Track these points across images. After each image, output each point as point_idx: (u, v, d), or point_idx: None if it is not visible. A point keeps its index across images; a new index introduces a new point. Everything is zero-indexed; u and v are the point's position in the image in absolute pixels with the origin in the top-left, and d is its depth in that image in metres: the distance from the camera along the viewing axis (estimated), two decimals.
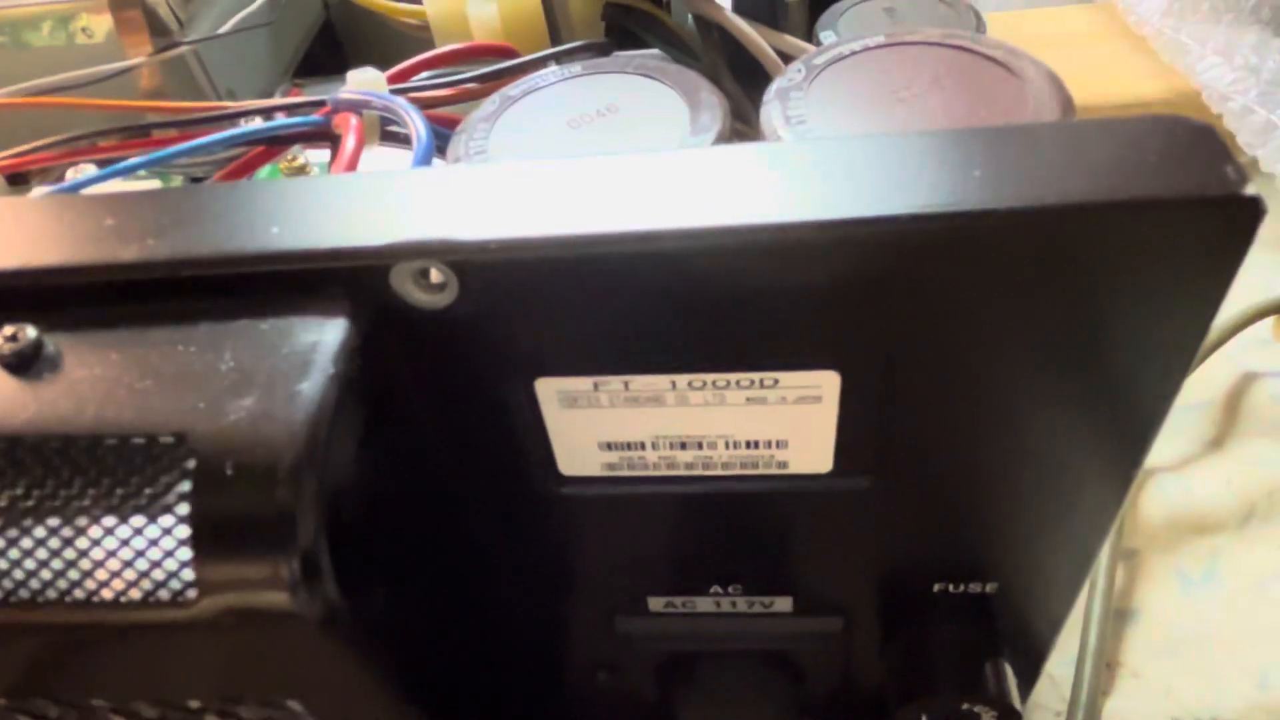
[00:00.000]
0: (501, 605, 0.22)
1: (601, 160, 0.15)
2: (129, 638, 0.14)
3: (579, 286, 0.14)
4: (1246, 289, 0.29)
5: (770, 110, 0.18)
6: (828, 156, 0.14)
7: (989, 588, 0.20)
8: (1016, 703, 0.21)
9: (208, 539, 0.13)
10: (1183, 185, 0.12)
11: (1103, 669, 0.27)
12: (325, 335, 0.14)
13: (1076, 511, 0.18)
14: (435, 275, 0.14)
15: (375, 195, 0.15)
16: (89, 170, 0.21)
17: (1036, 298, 0.14)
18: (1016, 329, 0.14)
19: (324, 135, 0.20)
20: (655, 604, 0.21)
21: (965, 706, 0.21)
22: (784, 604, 0.21)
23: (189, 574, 0.13)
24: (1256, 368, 0.37)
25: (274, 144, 0.20)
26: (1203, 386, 0.38)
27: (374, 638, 0.15)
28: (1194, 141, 0.13)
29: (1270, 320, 0.37)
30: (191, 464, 0.13)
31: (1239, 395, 0.37)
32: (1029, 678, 0.24)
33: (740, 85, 0.24)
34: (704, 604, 0.21)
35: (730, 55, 0.25)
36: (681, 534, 0.19)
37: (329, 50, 0.39)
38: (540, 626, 0.23)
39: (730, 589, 0.21)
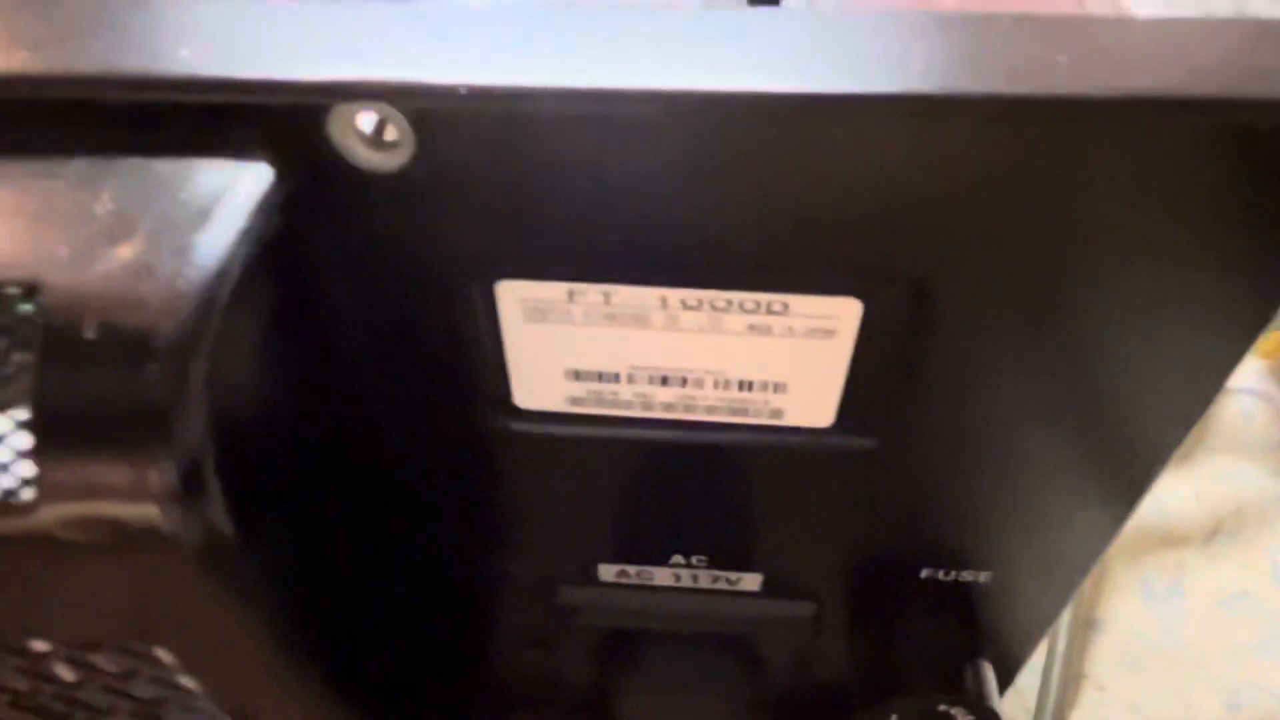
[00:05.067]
0: (426, 558, 0.19)
1: (608, 10, 0.12)
2: None
3: (565, 156, 0.11)
4: None
5: (795, 5, 0.16)
6: (881, 28, 0.11)
7: (982, 577, 0.18)
8: (997, 706, 0.19)
9: (54, 425, 0.10)
10: None
11: (1070, 680, 0.26)
12: (238, 182, 0.11)
13: (1090, 504, 0.16)
14: (386, 126, 0.11)
15: (319, 22, 0.12)
16: None
17: (1112, 219, 0.11)
18: (1082, 256, 0.12)
19: None
20: (606, 573, 0.19)
21: (942, 708, 0.19)
22: (752, 582, 0.19)
23: (27, 469, 0.10)
24: (1227, 384, 0.37)
25: None
26: None
27: (265, 580, 0.12)
28: None
29: None
30: (41, 323, 0.10)
31: (1209, 410, 0.36)
32: (1002, 683, 0.22)
33: None
34: (662, 576, 0.19)
35: None
36: (647, 491, 0.17)
37: None
38: (470, 589, 0.20)
39: (694, 560, 0.18)
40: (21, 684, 0.15)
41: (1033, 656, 0.27)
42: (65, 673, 0.14)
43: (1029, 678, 0.26)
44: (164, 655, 0.13)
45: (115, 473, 0.09)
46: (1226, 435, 0.35)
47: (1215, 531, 0.32)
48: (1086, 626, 0.28)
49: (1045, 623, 0.20)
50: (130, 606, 0.12)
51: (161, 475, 0.09)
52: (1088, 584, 0.30)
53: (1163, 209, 0.11)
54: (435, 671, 0.22)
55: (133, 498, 0.10)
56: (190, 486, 0.10)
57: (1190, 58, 0.11)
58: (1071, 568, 0.18)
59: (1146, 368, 0.14)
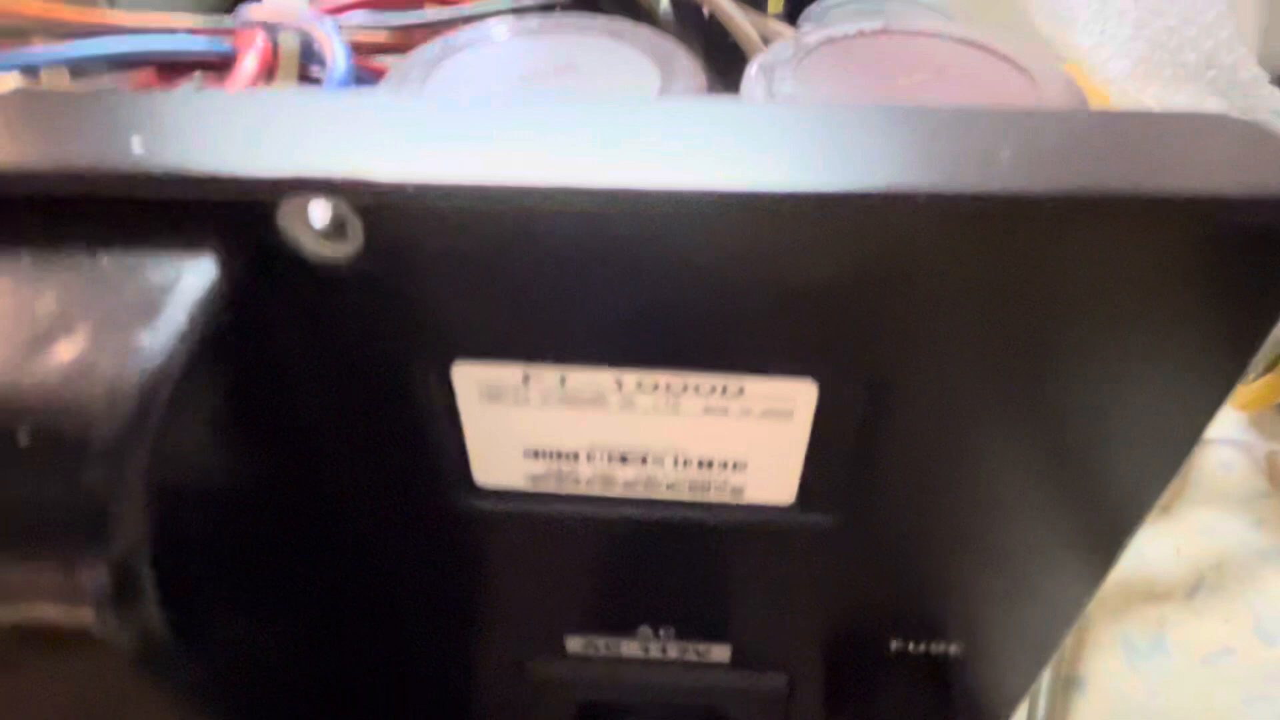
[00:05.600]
0: (393, 640, 0.18)
1: (555, 103, 0.12)
2: None
3: (515, 249, 0.11)
4: None
5: (753, 87, 0.16)
6: (830, 121, 0.12)
7: (952, 649, 0.18)
8: None
9: None
10: (1253, 183, 0.10)
11: None
12: (183, 278, 0.11)
13: (1060, 573, 0.16)
14: (335, 219, 0.11)
15: (269, 115, 0.12)
16: None
17: (1061, 312, 0.11)
18: (1032, 349, 0.12)
19: (231, 65, 0.17)
20: (573, 644, 0.19)
21: None
22: (721, 654, 0.18)
23: None
24: (1206, 435, 0.37)
25: (167, 69, 0.17)
26: None
27: (214, 677, 0.11)
28: (1256, 140, 0.11)
29: None
30: None
31: (1189, 462, 0.36)
32: None
33: (715, 74, 0.21)
34: (629, 648, 0.18)
35: (705, 43, 0.22)
36: (611, 565, 0.17)
37: None
38: (440, 667, 0.19)
39: (661, 632, 0.18)
40: None
41: (1014, 717, 0.26)
42: None
43: None
44: None
45: (46, 577, 0.09)
46: (1207, 487, 0.35)
47: (1197, 585, 0.31)
48: (1068, 685, 0.28)
49: (1020, 690, 0.20)
50: (71, 705, 0.11)
51: (94, 580, 0.09)
52: (1069, 641, 0.29)
53: (1115, 297, 0.11)
54: None
55: (64, 601, 0.09)
56: (124, 589, 0.09)
57: (1135, 153, 0.11)
58: (1044, 636, 0.18)
59: (1113, 443, 0.14)
